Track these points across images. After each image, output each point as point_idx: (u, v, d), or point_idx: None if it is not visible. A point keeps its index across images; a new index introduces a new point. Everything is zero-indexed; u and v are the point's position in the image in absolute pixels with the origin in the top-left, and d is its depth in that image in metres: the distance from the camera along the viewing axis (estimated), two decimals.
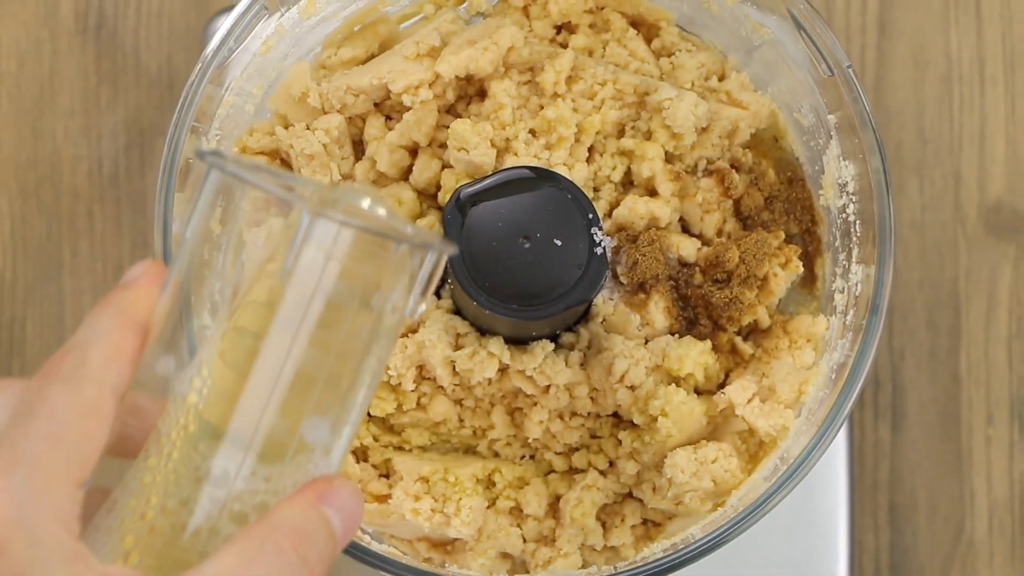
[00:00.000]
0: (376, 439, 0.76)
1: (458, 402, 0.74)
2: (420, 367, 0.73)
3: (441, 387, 0.74)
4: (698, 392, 0.74)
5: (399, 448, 0.76)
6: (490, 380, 0.73)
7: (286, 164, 0.77)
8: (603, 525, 0.75)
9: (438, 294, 0.76)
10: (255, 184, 0.52)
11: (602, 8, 0.78)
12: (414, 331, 0.74)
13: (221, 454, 0.52)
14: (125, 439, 0.53)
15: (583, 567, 0.75)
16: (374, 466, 0.75)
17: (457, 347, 0.72)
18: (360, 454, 0.76)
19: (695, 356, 0.73)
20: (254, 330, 0.52)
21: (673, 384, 0.73)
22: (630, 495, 0.76)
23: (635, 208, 0.74)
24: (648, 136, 0.76)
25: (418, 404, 0.74)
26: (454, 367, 0.72)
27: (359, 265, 0.52)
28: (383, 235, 0.52)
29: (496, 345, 0.72)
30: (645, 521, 0.76)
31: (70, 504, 0.49)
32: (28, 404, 0.50)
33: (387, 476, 0.75)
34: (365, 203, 0.53)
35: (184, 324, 0.55)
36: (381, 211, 0.54)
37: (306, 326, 0.51)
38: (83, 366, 0.51)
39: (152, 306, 0.54)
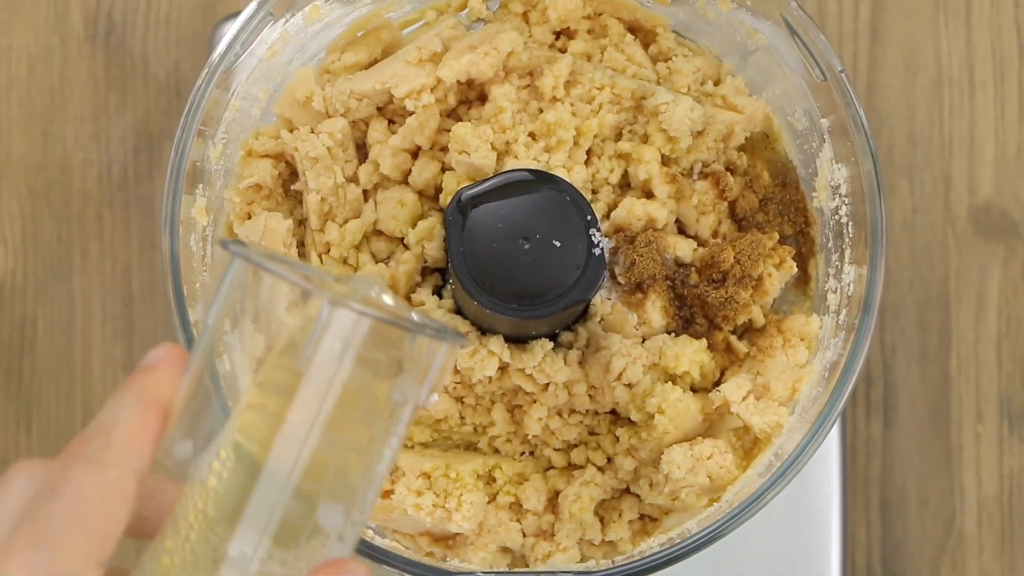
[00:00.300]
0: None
1: (459, 400, 0.74)
2: None
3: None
4: (694, 390, 0.74)
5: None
6: (490, 378, 0.73)
7: (291, 166, 0.77)
8: (601, 520, 0.75)
9: (439, 295, 0.76)
10: (277, 274, 0.52)
11: (600, 14, 0.78)
12: None
13: (238, 537, 0.52)
14: (142, 520, 0.53)
15: (581, 561, 0.75)
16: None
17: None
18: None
19: (691, 354, 0.73)
20: (271, 416, 0.52)
21: (669, 382, 0.73)
22: (627, 491, 0.75)
23: (632, 210, 0.74)
24: (645, 139, 0.76)
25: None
26: (455, 366, 0.72)
27: (375, 354, 0.52)
28: (400, 326, 0.53)
29: (496, 344, 0.72)
30: (642, 516, 0.76)
31: None
32: (52, 484, 0.50)
33: (390, 473, 0.75)
34: (375, 292, 0.54)
35: (204, 407, 0.55)
36: (389, 301, 0.54)
37: (323, 412, 0.52)
38: (107, 449, 0.51)
39: (172, 390, 0.54)
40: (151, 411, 0.53)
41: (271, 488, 0.52)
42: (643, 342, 0.74)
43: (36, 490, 0.51)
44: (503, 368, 0.73)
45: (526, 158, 0.74)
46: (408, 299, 0.75)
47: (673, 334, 0.74)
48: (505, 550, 0.75)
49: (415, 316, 0.55)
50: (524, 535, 0.75)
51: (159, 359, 0.55)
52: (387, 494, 0.74)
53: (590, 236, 0.70)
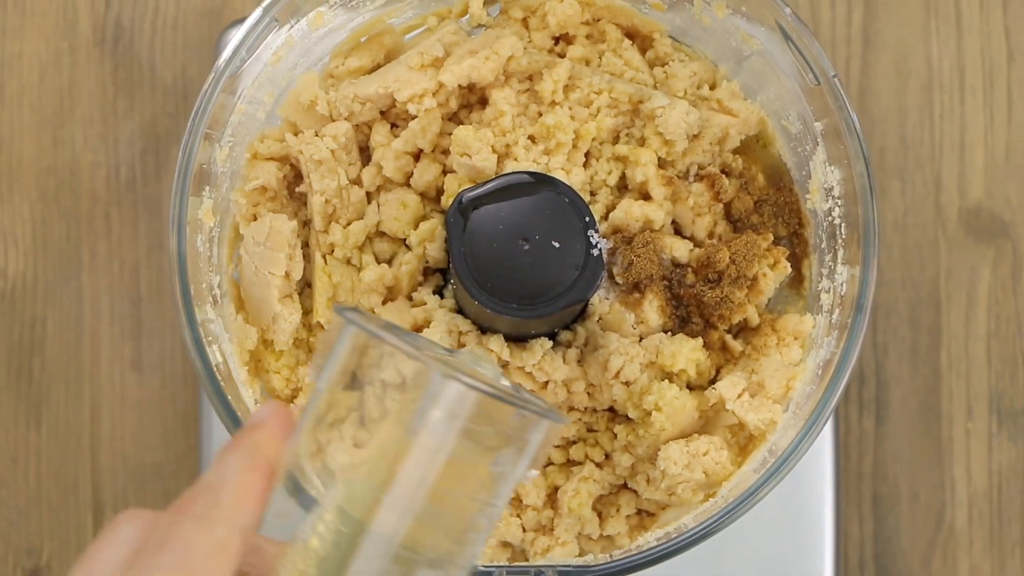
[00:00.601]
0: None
1: None
2: None
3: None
4: (690, 388, 0.74)
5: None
6: None
7: (295, 169, 0.77)
8: (599, 515, 0.75)
9: (440, 294, 0.75)
10: (390, 344, 0.53)
11: (598, 20, 0.78)
12: (419, 330, 0.73)
13: None
14: None
15: (580, 555, 0.75)
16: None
17: (459, 345, 0.72)
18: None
19: (687, 353, 0.73)
20: (377, 482, 0.52)
21: (666, 380, 0.73)
22: (625, 486, 0.75)
23: (630, 211, 0.74)
24: (642, 142, 0.76)
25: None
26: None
27: (480, 427, 0.52)
28: (507, 401, 0.53)
29: (496, 343, 0.72)
30: (639, 511, 0.76)
31: None
32: (160, 538, 0.50)
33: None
34: (481, 368, 0.54)
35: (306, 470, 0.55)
36: (494, 377, 0.55)
37: (428, 481, 0.52)
38: (215, 507, 0.51)
39: (279, 449, 0.54)
40: (258, 470, 0.53)
41: (372, 553, 0.52)
42: (640, 341, 0.74)
43: (142, 541, 0.51)
44: (504, 366, 0.72)
45: (526, 160, 0.74)
46: (410, 299, 0.75)
47: (670, 333, 0.74)
48: (505, 544, 0.75)
49: (522, 393, 0.55)
50: (524, 530, 0.75)
51: (266, 417, 0.55)
52: None
53: (588, 237, 0.70)
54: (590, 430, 0.75)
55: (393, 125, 0.77)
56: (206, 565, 0.50)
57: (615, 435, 0.74)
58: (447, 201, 0.75)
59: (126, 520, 0.52)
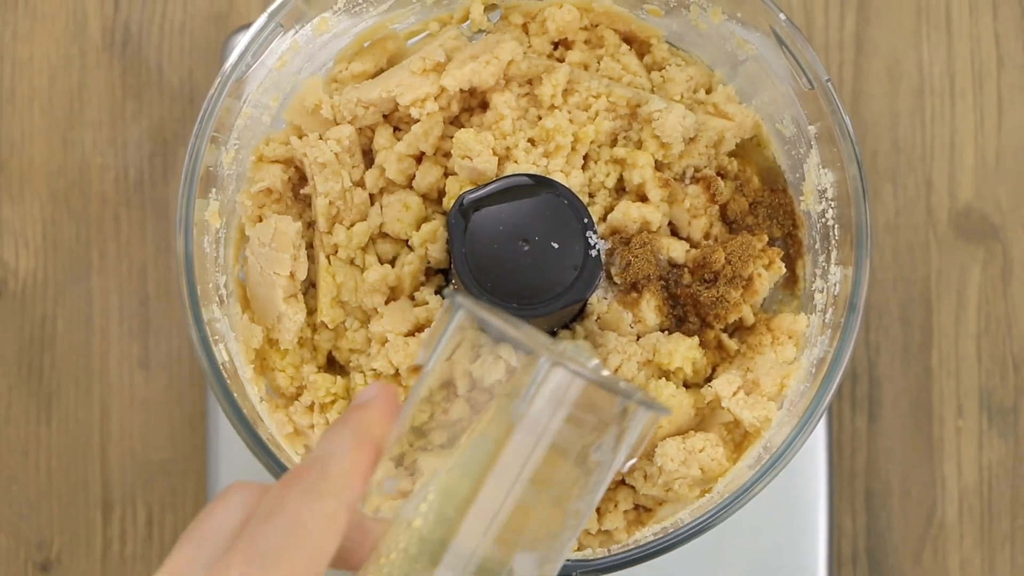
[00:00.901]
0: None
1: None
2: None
3: (457, 393, 0.73)
4: (686, 385, 0.74)
5: (424, 449, 0.76)
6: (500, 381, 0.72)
7: (300, 171, 0.77)
8: (597, 510, 0.75)
9: (442, 294, 0.75)
10: (500, 329, 0.53)
11: (597, 25, 0.78)
12: (420, 330, 0.73)
13: None
14: (343, 551, 0.53)
15: (579, 550, 0.75)
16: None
17: (475, 358, 0.72)
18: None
19: (684, 351, 0.73)
20: (480, 464, 0.52)
21: (663, 378, 0.73)
22: (623, 482, 0.75)
23: (628, 213, 0.74)
24: (639, 145, 0.76)
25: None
26: (471, 375, 0.72)
27: (583, 415, 0.52)
28: (612, 390, 0.53)
29: (505, 350, 0.72)
30: (637, 507, 0.76)
31: None
32: (269, 508, 0.50)
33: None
34: (584, 359, 0.54)
35: (408, 446, 0.55)
36: (603, 370, 0.55)
37: (531, 463, 0.52)
38: (323, 479, 0.51)
39: (385, 428, 0.54)
40: (365, 447, 0.53)
41: (473, 533, 0.52)
42: (638, 340, 0.74)
43: (251, 511, 0.51)
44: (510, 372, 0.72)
45: (526, 163, 0.74)
46: (412, 298, 0.75)
47: (667, 332, 0.74)
48: None
49: (624, 383, 0.55)
50: None
51: (373, 397, 0.55)
52: (409, 494, 0.74)
53: (587, 238, 0.70)
54: None
55: (396, 128, 0.77)
56: (314, 535, 0.50)
57: None
58: (448, 203, 0.75)
59: (236, 490, 0.52)
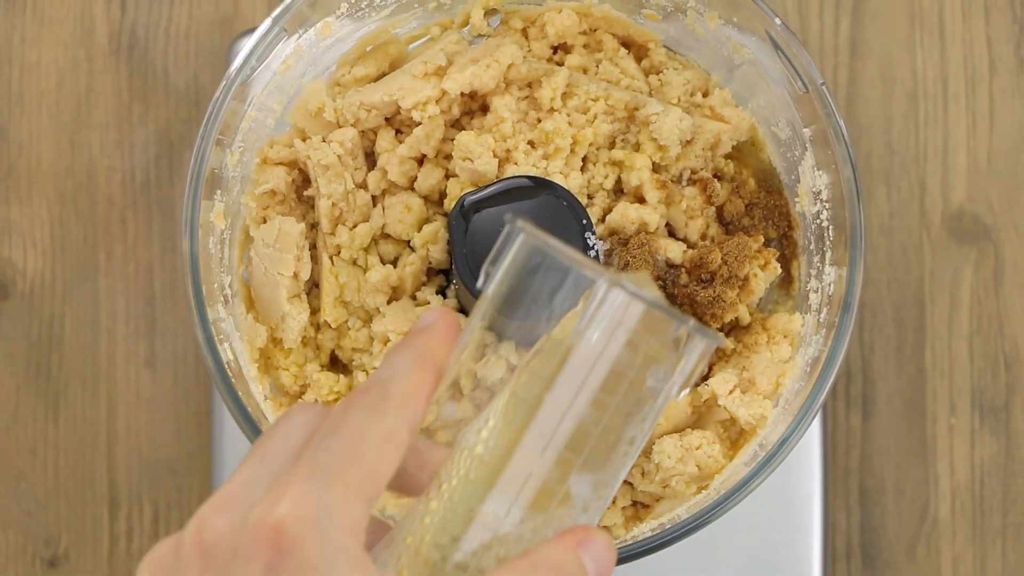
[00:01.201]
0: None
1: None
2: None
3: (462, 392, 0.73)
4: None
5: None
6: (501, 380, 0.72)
7: (304, 173, 0.77)
8: None
9: (443, 294, 0.76)
10: (561, 253, 0.52)
11: (595, 30, 0.78)
12: None
13: (493, 499, 0.51)
14: (401, 474, 0.53)
15: None
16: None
17: (479, 358, 0.72)
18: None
19: None
20: (539, 388, 0.52)
21: None
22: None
23: (626, 214, 0.74)
24: (637, 148, 0.76)
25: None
26: (475, 372, 0.72)
27: (641, 339, 0.52)
28: (669, 314, 0.52)
29: (507, 348, 0.72)
30: (635, 503, 0.76)
31: (360, 516, 0.49)
32: (333, 424, 0.50)
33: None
34: (645, 290, 0.54)
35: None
36: (659, 299, 0.54)
37: (589, 385, 0.51)
38: (385, 399, 0.51)
39: (446, 352, 0.54)
40: (426, 368, 0.53)
41: (533, 450, 0.51)
42: None
43: (314, 429, 0.51)
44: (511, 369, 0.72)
45: (525, 165, 0.74)
46: (414, 298, 0.75)
47: None
48: None
49: (681, 313, 0.55)
50: None
51: (433, 320, 0.55)
52: None
53: (586, 239, 0.70)
54: None
55: (398, 131, 0.77)
56: (376, 451, 0.50)
57: None
58: (450, 204, 0.75)
59: (300, 410, 0.52)
